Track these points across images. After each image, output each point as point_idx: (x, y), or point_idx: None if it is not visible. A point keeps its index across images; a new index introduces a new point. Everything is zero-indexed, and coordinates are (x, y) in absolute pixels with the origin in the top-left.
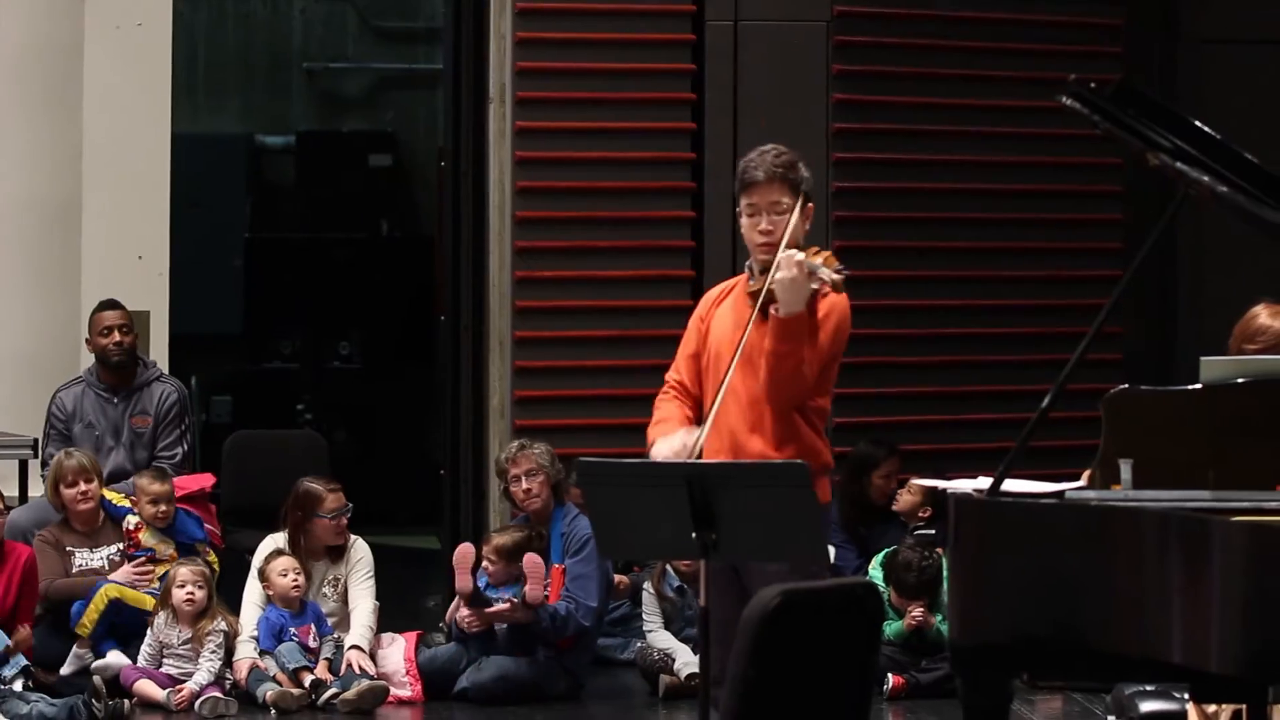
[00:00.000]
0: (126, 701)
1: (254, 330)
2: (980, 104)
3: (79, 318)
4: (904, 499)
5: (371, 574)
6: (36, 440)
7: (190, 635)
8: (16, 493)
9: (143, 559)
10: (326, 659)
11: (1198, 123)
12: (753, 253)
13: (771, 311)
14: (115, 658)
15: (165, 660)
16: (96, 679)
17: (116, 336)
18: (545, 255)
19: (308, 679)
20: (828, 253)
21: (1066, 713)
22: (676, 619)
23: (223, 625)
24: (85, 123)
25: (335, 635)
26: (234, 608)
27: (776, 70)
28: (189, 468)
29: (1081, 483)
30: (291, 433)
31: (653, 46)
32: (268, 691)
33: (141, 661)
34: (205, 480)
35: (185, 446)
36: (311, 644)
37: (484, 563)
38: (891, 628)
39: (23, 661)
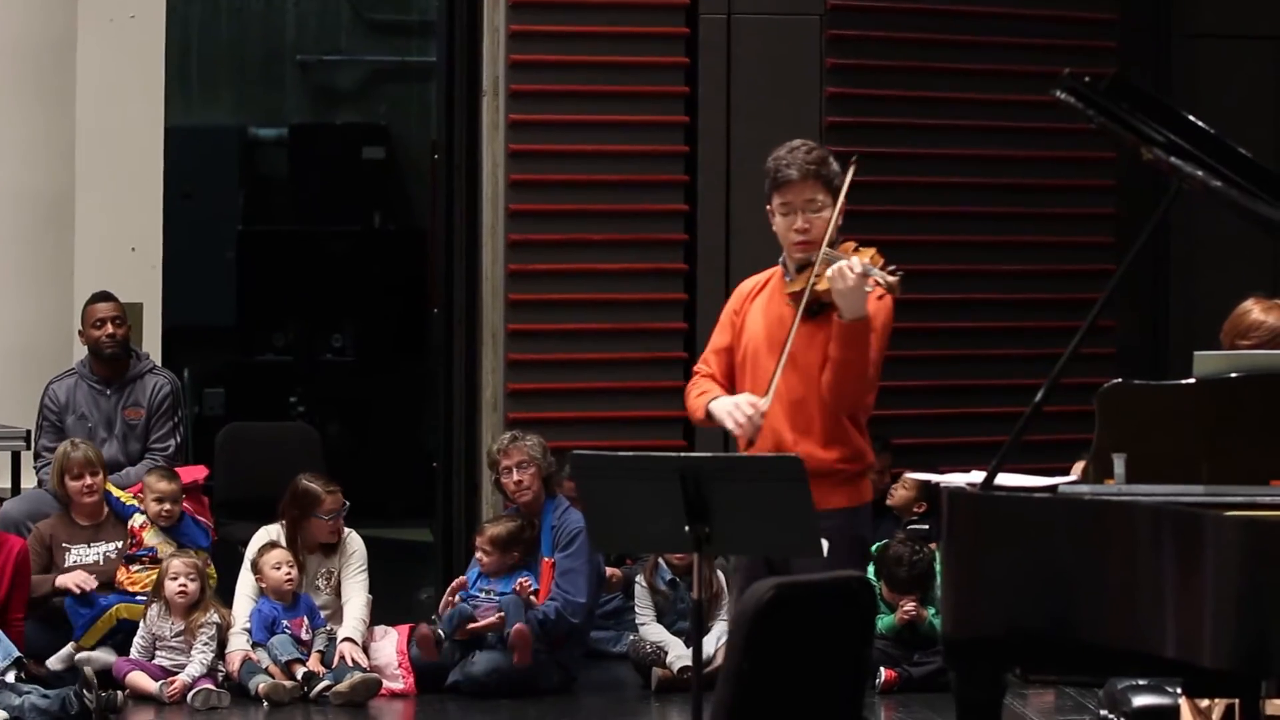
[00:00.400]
0: (119, 693)
1: (247, 322)
2: (973, 98)
3: (72, 309)
4: (898, 494)
5: (365, 567)
6: (29, 432)
7: (183, 627)
8: (9, 484)
9: (144, 558)
10: (319, 651)
11: (1191, 117)
12: (788, 251)
13: (835, 318)
14: (104, 654)
15: (158, 652)
16: (88, 670)
17: (109, 328)
18: (538, 248)
19: (300, 671)
20: (872, 250)
21: (1059, 707)
22: (669, 612)
23: (215, 617)
24: (78, 115)
25: (328, 628)
26: (226, 600)
27: (770, 64)
28: (181, 460)
29: (1075, 476)
30: (284, 425)
31: (646, 40)
32: (260, 683)
33: (134, 653)
34: (198, 472)
35: (178, 438)
36: (304, 636)
37: (478, 554)
38: (884, 622)
39: (15, 653)
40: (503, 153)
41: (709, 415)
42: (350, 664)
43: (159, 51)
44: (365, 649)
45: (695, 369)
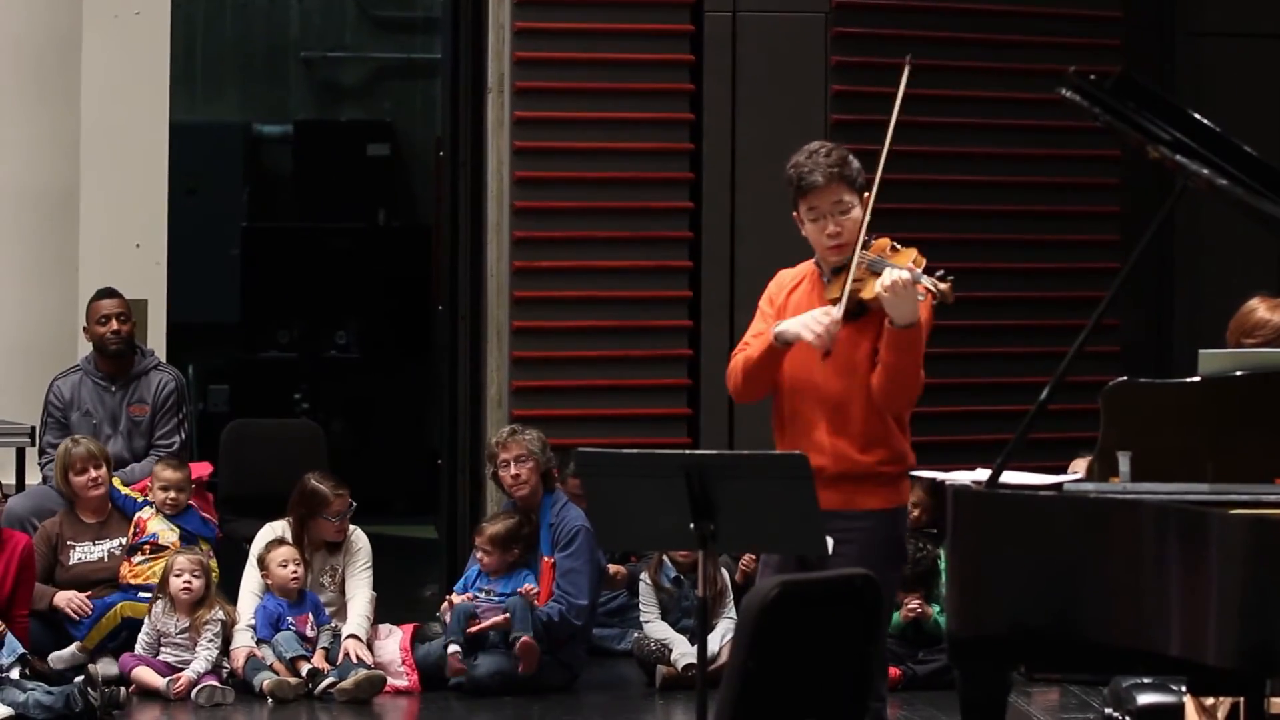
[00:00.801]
0: (123, 689)
1: (251, 319)
2: (978, 95)
3: (76, 306)
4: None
5: (369, 565)
6: (34, 428)
7: (188, 624)
8: (14, 480)
9: (146, 545)
10: (324, 648)
11: (1197, 115)
12: (821, 256)
13: (886, 325)
14: (107, 665)
15: (163, 649)
16: (92, 667)
17: (114, 325)
18: (543, 245)
19: (305, 668)
20: (914, 251)
21: (1064, 705)
22: (673, 609)
23: (220, 614)
24: (83, 111)
25: (333, 625)
26: (231, 597)
27: (775, 61)
28: (186, 456)
29: (1079, 474)
30: (289, 422)
31: (651, 37)
32: (264, 680)
33: (139, 650)
34: (202, 469)
35: (182, 435)
36: (309, 633)
37: (478, 554)
38: None
39: (19, 649)
40: (508, 149)
41: (776, 339)
42: (355, 661)
43: (164, 48)
44: (370, 646)
45: (735, 352)
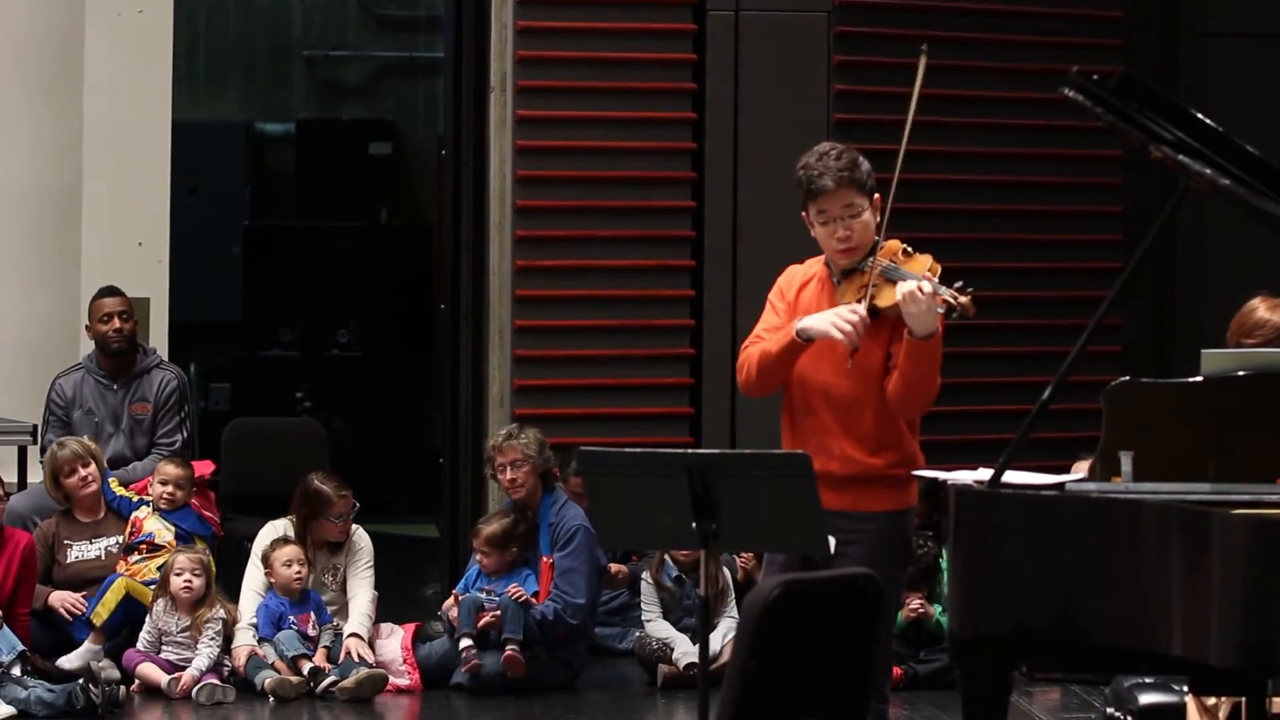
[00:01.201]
0: (123, 688)
1: (253, 318)
2: (980, 95)
3: (79, 304)
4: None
5: (371, 564)
6: (36, 426)
7: (189, 623)
8: (15, 479)
9: (142, 545)
10: (325, 647)
11: (1199, 115)
12: (833, 260)
13: (905, 335)
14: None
15: (164, 647)
16: (96, 665)
17: (116, 323)
18: (545, 244)
19: (306, 667)
20: (929, 258)
21: (1065, 705)
22: (675, 608)
23: (221, 613)
24: (86, 110)
25: (334, 623)
26: (232, 595)
27: (777, 60)
28: (188, 455)
29: (1081, 474)
30: (290, 421)
31: (654, 36)
32: (266, 679)
33: (140, 647)
34: (204, 468)
35: (184, 433)
36: (310, 632)
37: (477, 555)
38: None
39: (20, 647)
40: (510, 148)
41: (799, 335)
42: (356, 660)
43: (166, 46)
44: (371, 645)
45: (746, 345)
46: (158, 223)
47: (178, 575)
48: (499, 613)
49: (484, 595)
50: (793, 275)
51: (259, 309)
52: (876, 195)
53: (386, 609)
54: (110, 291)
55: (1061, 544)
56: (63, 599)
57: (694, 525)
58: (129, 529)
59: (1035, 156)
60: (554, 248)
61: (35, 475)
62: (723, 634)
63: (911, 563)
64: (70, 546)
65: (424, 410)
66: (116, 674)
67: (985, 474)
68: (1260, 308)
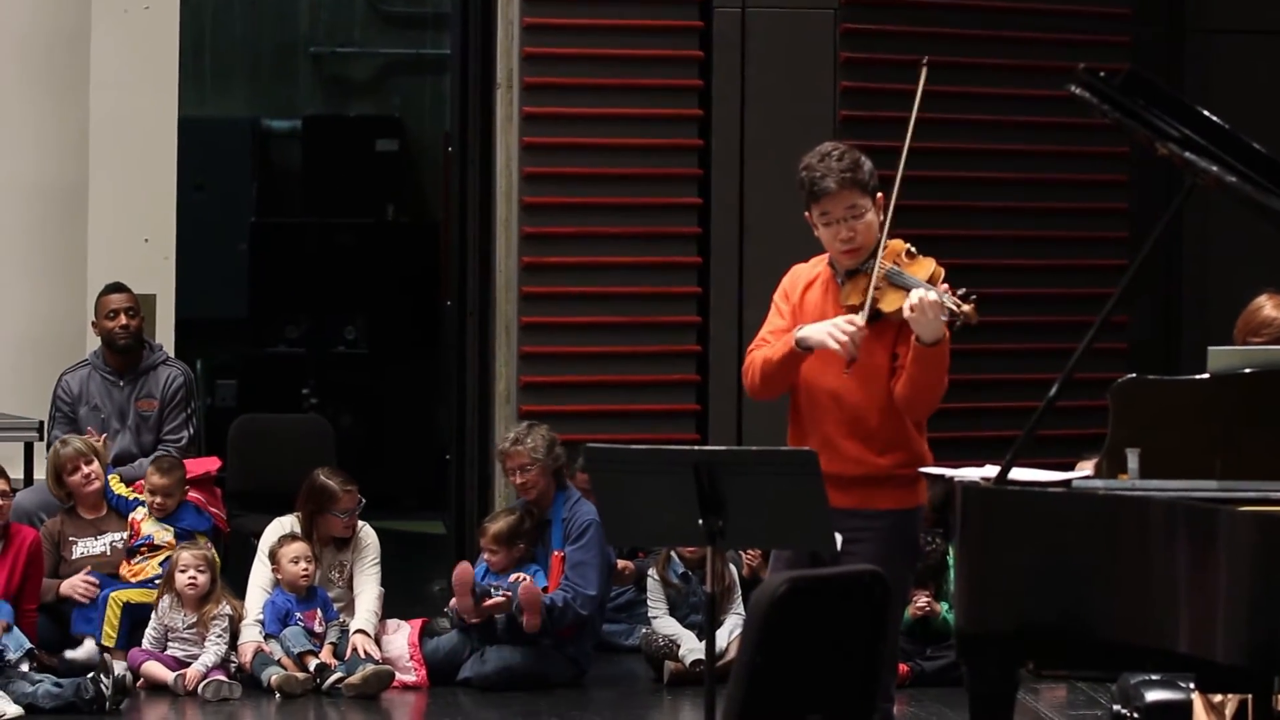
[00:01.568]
0: (129, 674)
1: (259, 314)
2: (987, 92)
3: (85, 300)
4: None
5: (377, 560)
6: (42, 423)
7: (195, 619)
8: (22, 475)
9: (143, 548)
10: (331, 643)
11: (1206, 112)
12: (836, 260)
13: (913, 341)
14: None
15: (170, 644)
16: (107, 657)
17: (122, 320)
18: (552, 241)
19: (312, 663)
20: (932, 263)
21: (1072, 702)
22: (681, 605)
23: (227, 609)
24: (92, 106)
25: (341, 620)
26: (238, 591)
27: (784, 57)
28: (194, 451)
29: (1087, 471)
30: (297, 417)
31: (660, 33)
32: (272, 675)
33: (146, 644)
34: (210, 464)
35: (191, 430)
36: (317, 629)
37: (484, 553)
38: None
39: (27, 644)
40: (516, 145)
41: (798, 344)
42: (363, 656)
43: (172, 43)
44: (378, 641)
45: (751, 348)
46: (164, 219)
47: (182, 572)
48: (498, 599)
49: (491, 590)
50: (797, 276)
51: (265, 306)
52: (879, 195)
53: (393, 605)
54: (116, 288)
55: (1068, 541)
56: (73, 585)
57: (700, 522)
58: (129, 531)
59: (1041, 154)
60: (560, 245)
61: (42, 472)
62: (729, 631)
63: (920, 560)
64: (75, 543)
65: (430, 407)
66: (120, 669)
67: (992, 471)
68: (1267, 305)
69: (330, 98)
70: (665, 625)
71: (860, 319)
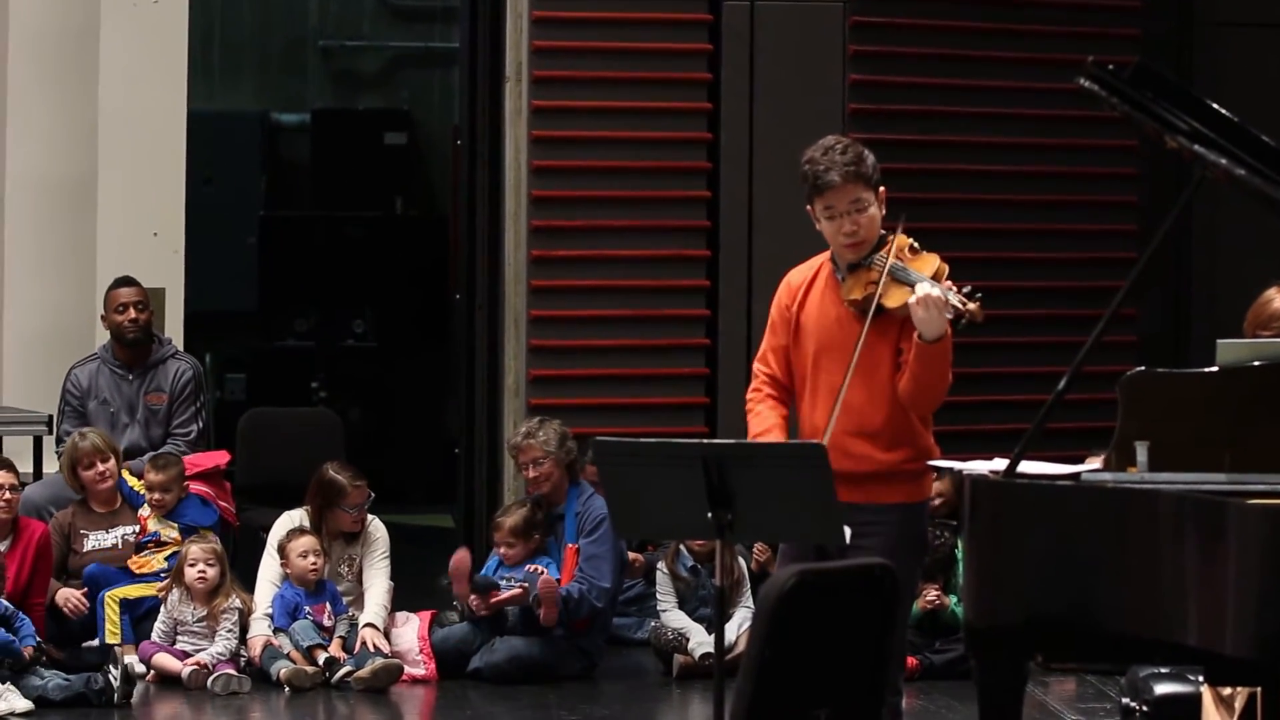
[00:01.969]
0: (139, 663)
1: (268, 308)
2: (996, 85)
3: (94, 294)
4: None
5: (387, 554)
6: (51, 417)
7: (205, 613)
8: (31, 469)
9: (150, 544)
10: (341, 637)
11: (1215, 105)
12: (839, 254)
13: (915, 338)
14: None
15: (179, 637)
16: (118, 649)
17: (131, 313)
18: (561, 234)
19: (322, 657)
20: (936, 259)
21: (1081, 695)
22: (690, 599)
23: (237, 603)
24: (101, 100)
25: (350, 614)
26: (247, 585)
27: (793, 51)
28: (203, 445)
29: (1096, 464)
30: (306, 411)
31: (669, 26)
32: (282, 669)
33: (155, 638)
34: (220, 458)
35: (200, 424)
36: (326, 622)
37: (501, 548)
38: None
39: (35, 638)
40: (525, 138)
41: None
42: (372, 650)
43: (181, 36)
44: (387, 635)
45: (755, 370)
46: (173, 213)
47: (191, 565)
48: (514, 591)
49: (504, 584)
50: (791, 283)
51: (274, 299)
52: (882, 189)
53: (402, 599)
54: (126, 282)
55: (1077, 534)
56: (66, 599)
57: (709, 515)
58: (139, 526)
59: (1051, 146)
60: (569, 238)
61: (51, 465)
62: (738, 624)
63: (928, 554)
64: (86, 536)
65: (440, 400)
66: (135, 656)
67: (1001, 464)
68: (1276, 298)
69: (339, 91)
70: (674, 619)
71: (823, 441)
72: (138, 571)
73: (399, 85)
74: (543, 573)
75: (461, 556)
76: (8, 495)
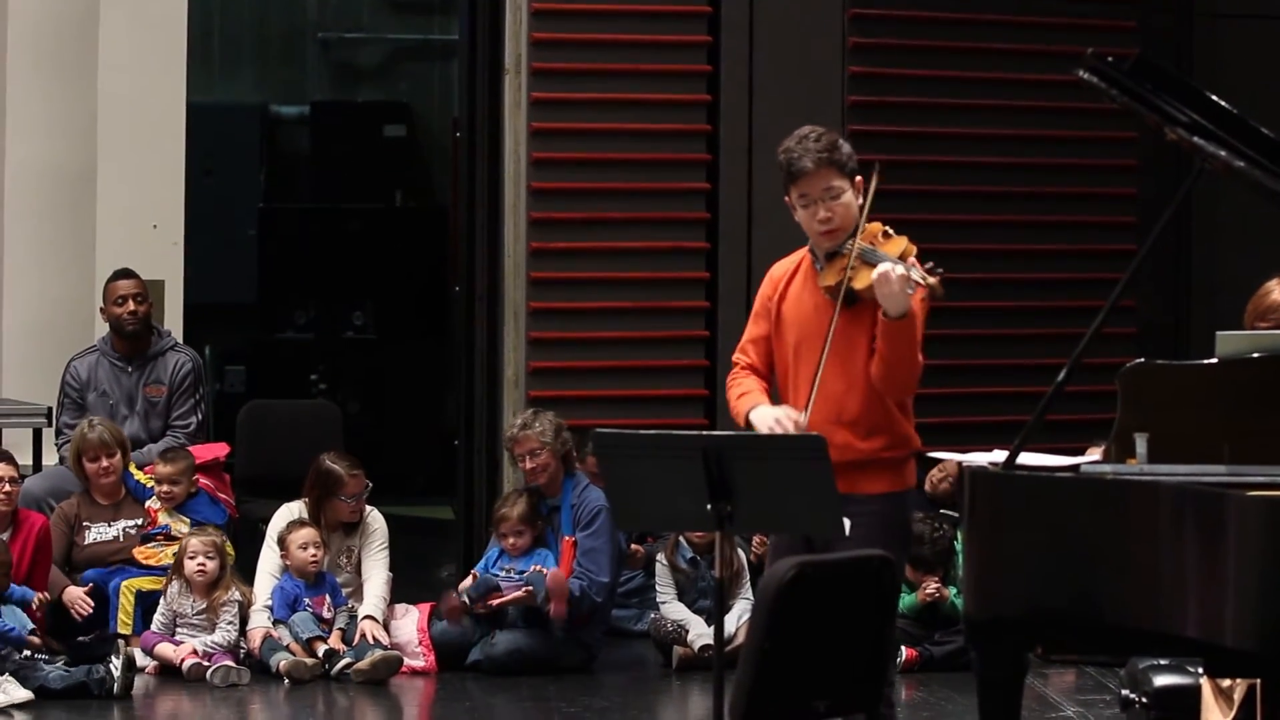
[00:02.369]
0: (139, 652)
1: (268, 300)
2: (995, 77)
3: (93, 286)
4: (941, 486)
5: (386, 545)
6: (51, 409)
7: (204, 605)
8: (30, 461)
9: (159, 536)
10: (340, 629)
11: (1214, 97)
12: (815, 242)
13: (880, 316)
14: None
15: (179, 629)
16: (120, 641)
17: (131, 305)
18: (560, 226)
19: (321, 649)
20: (904, 241)
21: (1080, 687)
22: (690, 590)
23: (236, 595)
24: (100, 91)
25: (349, 605)
26: (247, 577)
27: (792, 43)
28: (203, 437)
29: (1096, 457)
30: (305, 403)
31: (668, 18)
32: (281, 661)
33: (155, 630)
34: (219, 450)
35: (199, 416)
36: (325, 614)
37: (509, 539)
38: (905, 601)
39: (29, 625)
40: (525, 131)
41: (749, 423)
42: (371, 641)
43: (181, 28)
44: (386, 627)
45: (734, 359)
46: (172, 205)
47: (191, 558)
48: (517, 594)
49: (503, 574)
50: (773, 276)
51: (274, 291)
52: (859, 178)
53: (401, 591)
54: (125, 274)
55: (1077, 526)
56: (73, 600)
57: (709, 507)
58: (145, 519)
59: (1050, 138)
60: (569, 230)
61: (50, 457)
62: (738, 616)
63: (911, 544)
64: (89, 528)
65: (439, 392)
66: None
67: (1001, 456)
68: (1276, 290)
69: (338, 83)
70: (674, 610)
71: (802, 418)
72: (145, 563)
73: (398, 77)
74: (544, 571)
75: (454, 606)
76: (7, 487)
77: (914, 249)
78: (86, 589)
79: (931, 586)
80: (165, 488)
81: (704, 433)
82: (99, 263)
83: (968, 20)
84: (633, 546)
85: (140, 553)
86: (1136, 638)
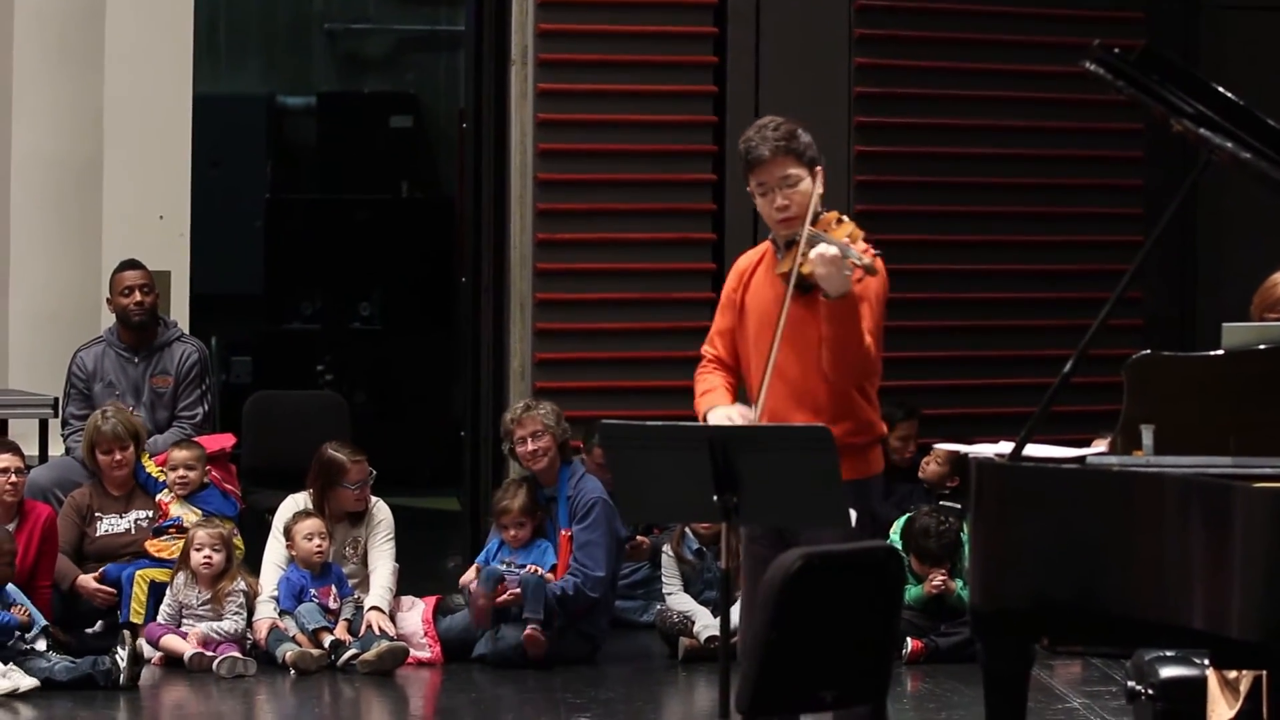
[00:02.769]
0: (146, 645)
1: (274, 291)
2: (1002, 69)
3: (100, 277)
4: (930, 468)
5: (391, 536)
6: (57, 399)
7: (210, 596)
8: (37, 451)
9: (171, 528)
10: (346, 620)
11: (1220, 88)
12: (774, 229)
13: (820, 299)
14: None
15: (185, 620)
16: (127, 633)
17: (137, 296)
18: (566, 218)
19: (327, 640)
20: (851, 225)
21: (1086, 678)
22: (696, 581)
23: (242, 586)
24: (107, 82)
25: (355, 596)
26: (253, 568)
27: (798, 34)
28: (209, 428)
29: (1102, 448)
30: (312, 394)
31: (675, 9)
32: (287, 652)
33: (161, 620)
34: (225, 441)
35: (205, 407)
36: (332, 605)
37: (511, 530)
38: (911, 593)
39: (42, 621)
40: (531, 122)
41: (704, 418)
42: (377, 632)
43: (188, 19)
44: (392, 618)
45: (702, 351)
46: (179, 196)
47: (198, 550)
48: (519, 589)
49: (504, 567)
50: (738, 267)
51: (280, 282)
52: (819, 168)
53: (407, 582)
54: (131, 265)
55: (1083, 517)
56: (92, 592)
57: (715, 498)
58: (156, 511)
59: (1056, 130)
60: (575, 221)
61: (56, 448)
62: None
63: (879, 532)
64: (101, 519)
65: (445, 383)
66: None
67: (1007, 447)
68: None
69: (345, 74)
70: (680, 602)
71: (752, 414)
72: (156, 555)
73: (405, 68)
74: (539, 572)
75: (482, 608)
76: (13, 478)
77: (860, 233)
78: (96, 576)
79: (938, 579)
80: (180, 472)
81: (710, 424)
82: (105, 253)
83: (974, 12)
84: (638, 538)
85: (152, 545)
86: (1142, 629)
